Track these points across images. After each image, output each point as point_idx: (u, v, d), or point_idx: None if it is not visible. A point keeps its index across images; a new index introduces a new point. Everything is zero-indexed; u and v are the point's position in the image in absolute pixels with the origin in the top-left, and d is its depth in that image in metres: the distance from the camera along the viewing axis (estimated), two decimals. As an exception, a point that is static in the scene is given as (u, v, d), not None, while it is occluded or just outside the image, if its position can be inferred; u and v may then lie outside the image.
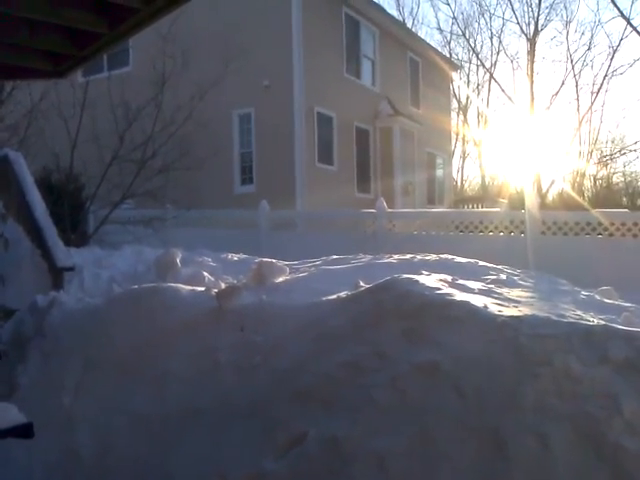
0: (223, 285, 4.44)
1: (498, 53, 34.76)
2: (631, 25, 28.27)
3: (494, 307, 2.90)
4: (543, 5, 32.14)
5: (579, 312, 3.25)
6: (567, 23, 34.09)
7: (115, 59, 14.96)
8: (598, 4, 47.60)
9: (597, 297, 4.23)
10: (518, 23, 33.42)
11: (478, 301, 2.98)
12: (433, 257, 5.33)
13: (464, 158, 36.57)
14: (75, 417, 3.16)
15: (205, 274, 5.17)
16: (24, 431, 2.28)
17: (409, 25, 32.77)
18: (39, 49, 4.88)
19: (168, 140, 11.68)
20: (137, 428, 2.94)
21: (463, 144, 35.77)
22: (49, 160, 11.43)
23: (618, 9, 29.88)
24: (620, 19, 29.59)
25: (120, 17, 4.30)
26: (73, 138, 11.29)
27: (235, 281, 4.95)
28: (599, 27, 42.35)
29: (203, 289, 4.17)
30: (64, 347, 3.78)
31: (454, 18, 35.50)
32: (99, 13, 4.34)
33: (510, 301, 3.27)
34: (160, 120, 11.94)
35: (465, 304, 2.87)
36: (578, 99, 32.64)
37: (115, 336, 3.69)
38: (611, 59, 30.71)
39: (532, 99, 32.27)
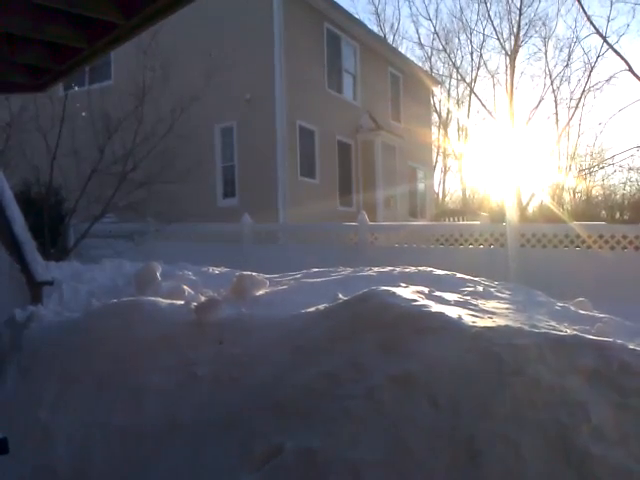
0: (203, 298, 4.44)
1: (478, 68, 35.26)
2: (607, 42, 28.89)
3: (469, 318, 2.95)
4: (523, 22, 32.67)
5: (553, 323, 3.31)
6: (546, 39, 34.60)
7: (97, 72, 14.95)
8: (576, 21, 48.55)
9: (572, 308, 4.31)
10: (498, 39, 33.94)
11: (453, 312, 3.03)
12: (412, 269, 5.39)
13: (445, 171, 36.91)
14: (52, 432, 3.14)
15: (185, 288, 5.17)
16: (-1, 446, 2.27)
17: (390, 40, 33.16)
18: (18, 63, 4.88)
19: (149, 153, 11.66)
20: (115, 442, 2.93)
21: (444, 158, 36.12)
22: (28, 173, 11.36)
23: (594, 27, 30.31)
24: (596, 36, 30.12)
25: (99, 32, 4.32)
26: (53, 151, 11.23)
27: (215, 294, 4.95)
28: (577, 44, 43.06)
29: (182, 303, 4.18)
30: (42, 361, 3.76)
31: (435, 33, 35.93)
32: (79, 28, 4.36)
33: (485, 312, 3.32)
34: (141, 133, 11.93)
35: (440, 315, 2.91)
36: (557, 114, 33.19)
37: (94, 350, 3.67)
38: (588, 75, 31.26)
39: (512, 114, 32.72)
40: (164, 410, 3.02)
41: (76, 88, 12.80)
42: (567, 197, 33.44)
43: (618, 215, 28.87)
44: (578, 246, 9.89)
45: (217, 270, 6.91)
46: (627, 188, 31.60)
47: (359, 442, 2.28)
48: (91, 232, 11.41)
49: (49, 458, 3.00)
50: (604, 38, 28.94)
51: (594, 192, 33.30)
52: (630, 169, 29.63)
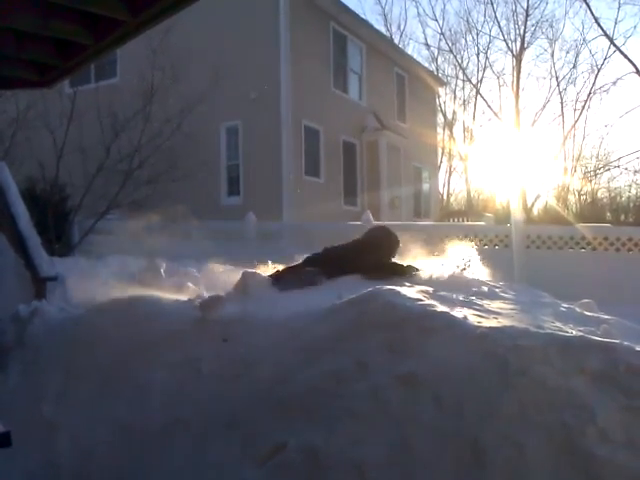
0: (207, 296, 4.44)
1: (484, 69, 35.12)
2: (614, 44, 28.76)
3: (474, 318, 2.94)
4: (529, 23, 32.55)
5: (558, 324, 3.29)
6: (553, 41, 34.48)
7: (102, 70, 14.95)
8: (583, 23, 48.20)
9: (577, 309, 4.28)
10: (505, 40, 33.80)
11: (458, 312, 3.02)
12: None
13: (450, 172, 36.78)
14: (56, 427, 3.14)
15: (189, 284, 5.17)
16: (2, 439, 2.27)
17: (397, 40, 33.04)
18: (25, 59, 4.89)
19: (155, 152, 11.69)
20: (118, 438, 2.93)
21: (449, 158, 36.00)
22: (34, 170, 11.39)
23: (602, 29, 30.23)
24: (604, 38, 30.02)
25: (106, 29, 4.33)
26: (59, 148, 11.27)
27: (220, 292, 4.95)
28: (584, 46, 42.92)
29: (186, 299, 4.17)
30: (46, 357, 3.76)
31: (442, 34, 35.81)
32: (85, 25, 4.37)
33: (490, 313, 3.30)
34: (147, 132, 11.95)
35: (445, 315, 2.90)
36: (563, 115, 33.04)
37: (97, 346, 3.67)
38: (595, 77, 31.12)
39: (518, 115, 32.62)
40: (168, 406, 3.01)
41: (84, 86, 12.82)
42: (572, 199, 33.34)
43: (623, 217, 28.81)
44: (583, 248, 9.87)
45: (221, 267, 6.90)
46: (632, 190, 31.52)
47: (363, 441, 2.27)
48: (96, 229, 11.45)
49: (53, 453, 3.00)
50: (611, 40, 28.83)
51: (599, 194, 33.21)
52: (636, 171, 29.49)
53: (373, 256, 5.04)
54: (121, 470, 2.82)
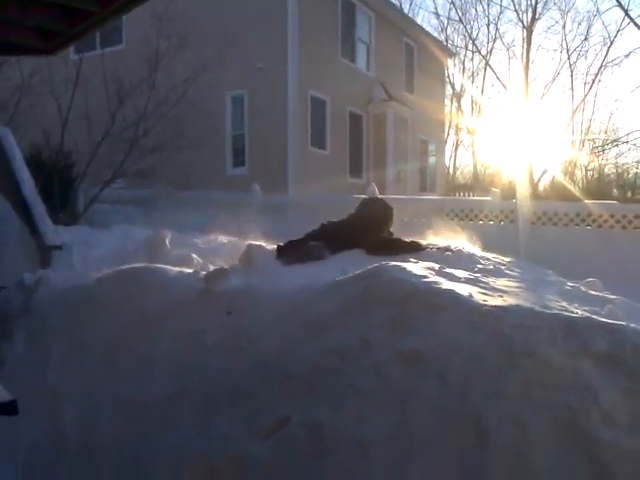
0: (212, 268, 4.44)
1: (494, 41, 34.71)
2: (628, 16, 28.19)
3: (479, 296, 2.93)
4: (541, -7, 31.95)
5: (564, 303, 3.28)
6: (565, 12, 33.87)
7: (108, 37, 14.77)
8: (597, -7, 47.40)
9: (582, 289, 4.27)
10: (516, 11, 33.30)
11: (464, 290, 3.01)
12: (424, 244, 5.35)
13: (457, 146, 36.52)
14: (60, 396, 3.17)
15: (194, 256, 5.17)
16: (8, 408, 2.29)
17: (406, 9, 32.54)
18: (30, 26, 4.82)
19: (160, 119, 11.61)
20: (122, 409, 2.96)
21: (456, 132, 35.71)
22: (39, 137, 11.33)
23: (616, -1, 29.68)
24: (618, 9, 29.43)
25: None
26: (64, 115, 11.19)
27: (224, 264, 4.95)
28: (597, 17, 42.16)
29: (192, 271, 4.18)
30: (51, 326, 3.78)
31: (452, 3, 35.29)
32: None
33: (496, 291, 3.29)
34: (153, 99, 11.85)
35: (451, 293, 2.90)
36: (572, 89, 32.65)
37: (102, 316, 3.69)
38: (607, 50, 30.63)
39: (527, 88, 32.20)
40: (172, 378, 3.03)
41: (90, 52, 12.68)
42: (579, 174, 33.14)
43: (630, 194, 28.63)
44: (589, 225, 9.82)
45: (226, 239, 6.90)
46: (640, 167, 31.26)
47: (366, 418, 2.28)
48: (101, 197, 11.43)
49: (58, 422, 3.03)
50: (626, 11, 28.24)
51: (606, 170, 32.98)
52: (644, 147, 29.22)
53: (374, 233, 5.02)
54: (125, 440, 2.85)
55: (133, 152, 11.59)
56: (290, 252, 4.69)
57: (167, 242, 5.73)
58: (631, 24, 27.93)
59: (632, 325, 2.46)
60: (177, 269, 4.25)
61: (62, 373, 3.32)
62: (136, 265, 4.40)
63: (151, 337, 3.39)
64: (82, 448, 2.98)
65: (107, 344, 3.47)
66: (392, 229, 5.43)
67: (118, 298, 3.81)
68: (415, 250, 4.70)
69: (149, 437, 2.75)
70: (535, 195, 17.85)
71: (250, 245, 4.82)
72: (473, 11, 36.94)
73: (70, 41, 5.36)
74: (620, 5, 28.39)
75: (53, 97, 11.05)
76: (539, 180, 30.59)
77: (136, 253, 5.86)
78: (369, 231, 4.98)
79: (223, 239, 6.86)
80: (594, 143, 32.48)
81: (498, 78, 34.78)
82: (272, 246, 5.11)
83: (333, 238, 4.86)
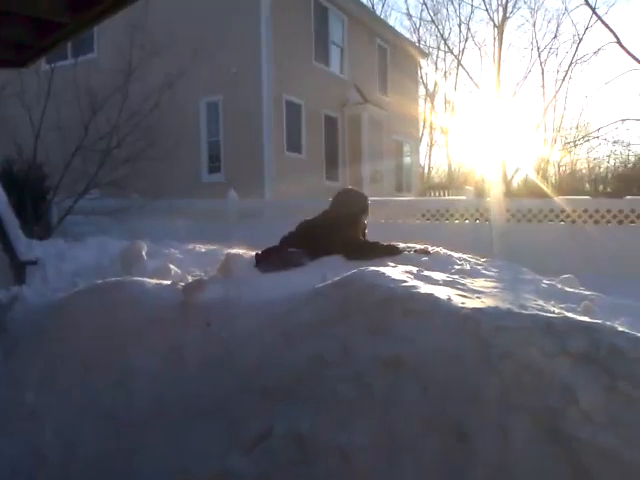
0: (190, 278, 4.41)
1: (466, 40, 35.09)
2: (595, 14, 28.71)
3: (458, 299, 2.94)
4: (512, -8, 32.40)
5: (541, 302, 3.31)
6: (534, 11, 34.38)
7: (80, 46, 14.63)
8: (566, -8, 48.13)
9: (558, 286, 4.32)
10: (487, 10, 33.72)
11: (442, 293, 3.02)
12: (402, 246, 5.37)
13: (431, 145, 36.85)
14: (39, 415, 3.12)
15: (172, 267, 5.14)
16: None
17: (378, 10, 32.85)
18: (0, 38, 4.77)
19: (134, 129, 11.52)
20: (101, 426, 2.92)
21: (430, 131, 36.01)
22: (11, 150, 11.18)
23: (583, -3, 30.14)
24: (585, 8, 29.90)
25: (84, 4, 4.22)
26: (36, 127, 11.05)
27: (202, 274, 4.92)
28: (566, 15, 42.86)
29: (169, 283, 4.14)
30: (27, 343, 3.72)
31: (424, 4, 35.60)
32: (63, 2, 4.26)
33: (474, 292, 3.31)
34: (126, 109, 11.76)
35: (429, 297, 2.90)
36: (544, 86, 33.13)
37: (79, 332, 3.64)
38: (576, 48, 31.16)
39: (499, 86, 32.63)
40: (152, 393, 3.00)
41: (61, 62, 12.53)
42: (552, 170, 33.59)
43: (602, 188, 29.08)
44: (563, 220, 9.95)
45: (203, 248, 6.87)
46: (611, 161, 31.80)
47: (348, 426, 2.28)
48: (75, 209, 11.30)
49: (37, 441, 2.98)
50: (593, 9, 28.78)
51: (578, 165, 33.48)
52: (615, 142, 29.74)
53: (352, 229, 5.00)
54: (104, 458, 2.81)
55: (107, 163, 11.48)
56: (269, 260, 4.66)
57: (143, 253, 5.69)
58: (599, 22, 28.44)
59: (608, 323, 2.49)
60: (154, 281, 4.21)
61: (40, 391, 3.27)
62: (112, 279, 4.35)
63: (129, 352, 3.35)
64: (61, 467, 2.94)
65: (84, 360, 3.43)
66: (369, 230, 5.43)
67: (94, 313, 3.76)
68: (393, 253, 4.71)
69: (129, 454, 2.71)
70: (509, 192, 18.05)
71: (228, 254, 4.80)
72: (445, 11, 37.32)
73: (42, 53, 5.31)
74: (587, 3, 28.90)
75: (25, 109, 10.91)
76: (512, 178, 30.95)
77: (112, 266, 5.81)
78: (347, 226, 4.95)
79: (201, 248, 6.83)
80: (566, 139, 32.97)
81: (470, 77, 35.31)
82: (251, 254, 5.09)
83: (311, 239, 4.81)
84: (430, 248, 5.02)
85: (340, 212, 5.17)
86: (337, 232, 4.81)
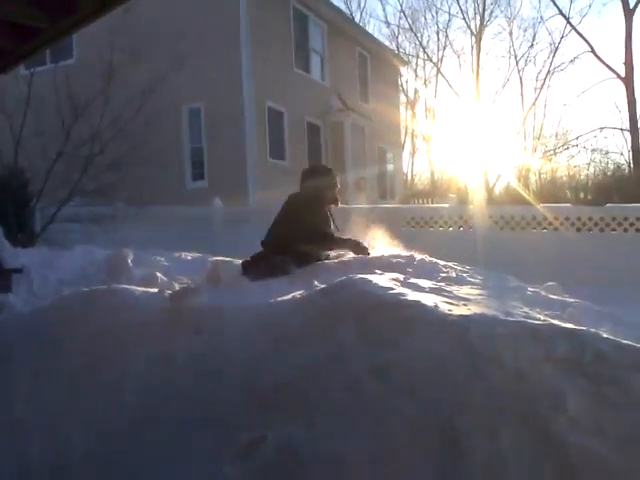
0: (177, 286, 4.42)
1: (445, 48, 35.36)
2: (570, 23, 29.23)
3: (445, 306, 2.98)
4: (488, 1, 32.80)
5: (526, 309, 3.37)
6: (511, 19, 34.79)
7: (59, 51, 14.54)
8: (540, 2, 48.77)
9: (543, 293, 4.39)
10: (464, 18, 34.06)
11: (429, 300, 3.06)
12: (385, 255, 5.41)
13: (414, 153, 37.10)
14: (27, 428, 3.10)
15: (158, 275, 5.13)
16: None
17: (357, 18, 33.08)
18: (-22, 45, 4.75)
19: (116, 135, 11.47)
20: (90, 436, 2.91)
21: (412, 139, 36.27)
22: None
23: (557, 7, 30.65)
24: (560, 17, 30.38)
25: (63, 11, 4.22)
26: (17, 133, 10.96)
27: (189, 281, 4.92)
28: (541, 24, 43.48)
29: (156, 291, 4.14)
30: (15, 354, 3.69)
31: (402, 12, 35.92)
32: (40, 7, 4.26)
33: (460, 299, 3.36)
34: (108, 114, 11.71)
35: (417, 304, 2.94)
36: (522, 94, 33.55)
37: (66, 342, 3.62)
38: (553, 56, 31.62)
39: (478, 94, 33.00)
40: (141, 403, 2.99)
41: (40, 67, 12.44)
42: (533, 178, 33.97)
43: (582, 195, 29.46)
44: (545, 228, 10.08)
45: (190, 255, 6.87)
46: (591, 169, 32.25)
47: (341, 434, 2.30)
48: (59, 216, 11.21)
49: (26, 454, 2.96)
50: (567, 19, 29.32)
51: (559, 173, 33.89)
52: (594, 150, 30.21)
53: (316, 213, 5.08)
54: (93, 469, 2.80)
55: (90, 169, 11.41)
56: (256, 268, 4.68)
57: (129, 261, 5.68)
58: (573, 31, 28.92)
59: (592, 330, 2.55)
60: (141, 289, 4.21)
61: (28, 402, 3.24)
62: (98, 287, 4.34)
63: (118, 361, 3.34)
64: (50, 477, 2.92)
65: (73, 370, 3.41)
66: (351, 236, 5.46)
67: (81, 322, 3.75)
68: (355, 250, 4.89)
69: (118, 464, 2.71)
70: (491, 200, 18.23)
71: (215, 262, 4.82)
72: (422, 19, 37.55)
73: (21, 59, 5.30)
74: (561, 13, 29.40)
75: (4, 115, 10.82)
76: (494, 185, 31.28)
77: (97, 274, 5.79)
78: (310, 210, 5.06)
79: (187, 255, 6.82)
80: (546, 147, 33.39)
81: (450, 85, 35.58)
82: (237, 261, 5.10)
83: (290, 243, 4.81)
84: (415, 255, 5.07)
85: (306, 191, 5.28)
86: (301, 219, 4.87)
